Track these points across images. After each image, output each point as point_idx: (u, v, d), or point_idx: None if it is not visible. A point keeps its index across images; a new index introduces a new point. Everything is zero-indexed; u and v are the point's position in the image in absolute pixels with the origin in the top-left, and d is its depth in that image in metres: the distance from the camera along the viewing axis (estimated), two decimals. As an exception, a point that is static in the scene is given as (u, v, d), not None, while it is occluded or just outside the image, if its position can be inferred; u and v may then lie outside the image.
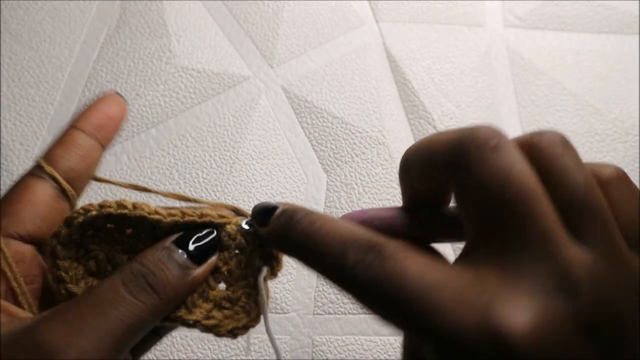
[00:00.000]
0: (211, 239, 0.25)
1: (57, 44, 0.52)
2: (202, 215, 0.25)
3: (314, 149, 0.48)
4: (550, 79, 0.51)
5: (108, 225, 0.25)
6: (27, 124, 0.49)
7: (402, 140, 0.48)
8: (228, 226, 0.26)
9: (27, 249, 0.24)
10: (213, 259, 0.25)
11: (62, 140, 0.26)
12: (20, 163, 0.47)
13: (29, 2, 0.54)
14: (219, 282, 0.26)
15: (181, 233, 0.25)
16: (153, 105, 0.49)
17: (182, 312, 0.24)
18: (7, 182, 0.46)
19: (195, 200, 0.28)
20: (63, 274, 0.24)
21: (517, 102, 0.50)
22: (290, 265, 0.43)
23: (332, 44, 0.52)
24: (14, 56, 0.51)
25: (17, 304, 0.23)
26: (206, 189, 0.46)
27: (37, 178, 0.25)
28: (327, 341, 0.40)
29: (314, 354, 0.40)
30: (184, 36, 0.52)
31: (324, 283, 0.42)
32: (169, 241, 0.24)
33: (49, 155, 0.26)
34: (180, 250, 0.24)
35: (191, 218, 0.25)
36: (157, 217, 0.25)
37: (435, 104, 0.49)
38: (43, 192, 0.25)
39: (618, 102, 0.50)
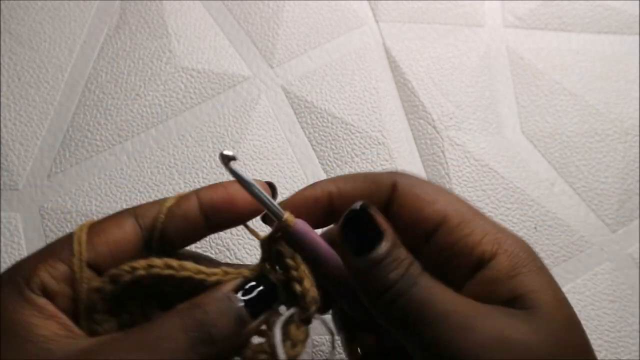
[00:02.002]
0: (267, 290, 0.24)
1: (57, 44, 0.52)
2: (242, 274, 0.25)
3: (314, 149, 0.48)
4: (550, 79, 0.51)
5: (150, 282, 0.24)
6: (27, 124, 0.49)
7: (402, 140, 0.48)
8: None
9: (94, 277, 0.24)
10: (266, 313, 0.24)
11: (177, 202, 0.26)
12: (20, 163, 0.47)
13: (29, 2, 0.54)
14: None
15: (240, 280, 0.24)
16: (153, 105, 0.49)
17: None
18: (7, 182, 0.46)
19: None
20: (97, 327, 0.24)
21: (517, 102, 0.50)
22: (290, 265, 0.43)
23: (332, 44, 0.52)
24: (14, 56, 0.51)
25: (76, 322, 0.23)
26: (206, 189, 0.46)
27: (133, 220, 0.25)
28: (327, 341, 0.40)
29: (314, 354, 0.40)
30: (184, 36, 0.52)
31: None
32: (228, 288, 0.24)
33: (149, 206, 0.26)
34: (241, 302, 0.23)
35: (232, 276, 0.25)
36: (201, 277, 0.24)
37: (435, 104, 0.49)
38: (130, 237, 0.25)
39: (618, 102, 0.50)
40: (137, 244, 0.25)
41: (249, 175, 0.25)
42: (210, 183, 0.46)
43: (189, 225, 0.26)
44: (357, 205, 0.25)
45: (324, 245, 0.26)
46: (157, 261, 0.24)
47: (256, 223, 0.30)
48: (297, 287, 0.25)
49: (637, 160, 0.48)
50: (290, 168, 0.47)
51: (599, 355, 0.41)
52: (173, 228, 0.25)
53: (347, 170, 0.46)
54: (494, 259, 0.24)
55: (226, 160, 0.24)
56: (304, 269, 0.25)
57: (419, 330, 0.23)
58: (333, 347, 0.31)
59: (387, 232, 0.24)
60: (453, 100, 0.50)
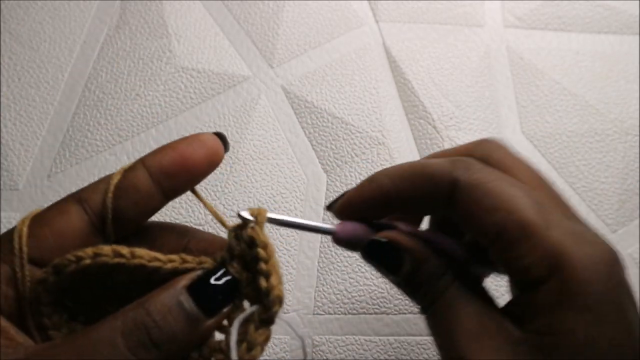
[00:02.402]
0: (227, 285, 0.22)
1: (57, 44, 0.52)
2: (201, 262, 0.23)
3: (314, 149, 0.48)
4: (550, 79, 0.51)
5: (102, 271, 0.22)
6: (27, 124, 0.49)
7: (402, 140, 0.48)
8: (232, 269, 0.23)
9: (40, 274, 0.22)
10: (226, 309, 0.22)
11: (124, 176, 0.23)
12: (20, 163, 0.47)
13: (29, 2, 0.54)
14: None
15: (197, 274, 0.22)
16: (153, 105, 0.49)
17: None
18: (7, 182, 0.46)
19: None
20: (45, 320, 0.22)
21: (517, 102, 0.50)
22: (290, 266, 0.43)
23: (332, 44, 0.52)
24: (14, 56, 0.51)
25: (23, 327, 0.22)
26: (206, 189, 0.46)
27: (79, 206, 0.23)
28: (327, 341, 0.40)
29: (314, 354, 0.40)
30: (184, 36, 0.52)
31: (324, 283, 0.42)
32: (180, 285, 0.21)
33: (96, 185, 0.23)
34: (191, 299, 0.21)
35: (190, 265, 0.23)
36: (156, 264, 0.22)
37: (435, 104, 0.49)
38: (77, 225, 0.23)
39: (618, 102, 0.50)
40: (86, 231, 0.23)
41: (282, 215, 0.25)
42: (211, 183, 0.46)
43: (142, 198, 0.23)
44: (377, 237, 0.25)
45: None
46: (105, 248, 0.22)
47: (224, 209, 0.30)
48: (263, 283, 0.22)
49: (637, 160, 0.48)
50: (290, 168, 0.47)
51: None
52: (125, 205, 0.23)
53: (347, 170, 0.46)
54: (544, 284, 0.21)
55: (279, 221, 0.25)
56: (274, 263, 0.22)
57: (436, 343, 0.24)
58: (305, 354, 0.30)
59: (407, 258, 0.24)
60: (453, 100, 0.50)
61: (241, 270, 0.23)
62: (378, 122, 0.48)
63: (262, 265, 0.22)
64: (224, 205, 0.45)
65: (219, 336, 0.23)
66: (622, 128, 0.49)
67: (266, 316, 0.22)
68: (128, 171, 0.24)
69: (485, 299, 0.24)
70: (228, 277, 0.22)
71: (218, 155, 0.24)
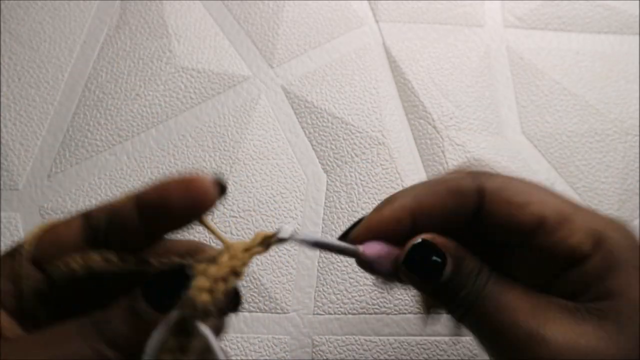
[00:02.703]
0: (172, 280, 0.21)
1: (57, 44, 0.52)
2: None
3: (314, 149, 0.48)
4: (550, 79, 0.51)
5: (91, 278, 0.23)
6: (27, 124, 0.49)
7: (402, 140, 0.48)
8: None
9: (34, 283, 0.23)
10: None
11: (112, 206, 0.23)
12: (20, 163, 0.47)
13: (29, 2, 0.54)
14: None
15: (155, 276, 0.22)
16: (153, 105, 0.49)
17: None
18: (7, 182, 0.46)
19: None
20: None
21: (517, 102, 0.50)
22: (290, 266, 0.43)
23: (332, 44, 0.52)
24: (14, 56, 0.51)
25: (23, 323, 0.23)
26: (206, 189, 0.46)
27: (83, 219, 0.23)
28: (327, 341, 0.40)
29: (314, 354, 0.40)
30: (184, 36, 0.52)
31: (324, 283, 0.42)
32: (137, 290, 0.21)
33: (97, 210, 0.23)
34: (142, 299, 0.21)
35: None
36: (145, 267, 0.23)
37: (435, 104, 0.49)
38: (75, 235, 0.23)
39: (618, 102, 0.50)
40: (82, 244, 0.23)
41: (308, 234, 0.24)
42: (210, 183, 0.46)
43: (126, 229, 0.23)
44: (419, 239, 0.25)
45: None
46: (95, 256, 0.22)
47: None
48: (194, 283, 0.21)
49: (637, 160, 0.48)
50: (290, 168, 0.47)
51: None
52: (114, 229, 0.23)
53: (347, 170, 0.47)
54: (589, 258, 0.24)
55: (287, 239, 0.23)
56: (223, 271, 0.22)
57: (490, 341, 0.24)
58: None
59: (448, 256, 0.24)
60: (453, 100, 0.50)
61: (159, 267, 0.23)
62: (378, 122, 0.48)
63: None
64: (224, 205, 0.45)
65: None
66: (622, 128, 0.49)
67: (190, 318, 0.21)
68: (123, 199, 0.23)
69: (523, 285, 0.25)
70: (175, 277, 0.22)
71: (205, 202, 0.23)
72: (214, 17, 0.53)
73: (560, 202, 0.25)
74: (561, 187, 0.47)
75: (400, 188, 0.46)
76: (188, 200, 0.23)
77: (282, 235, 0.23)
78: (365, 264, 0.25)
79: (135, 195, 0.23)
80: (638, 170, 0.47)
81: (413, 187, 0.27)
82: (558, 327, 0.22)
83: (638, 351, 0.22)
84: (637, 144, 0.48)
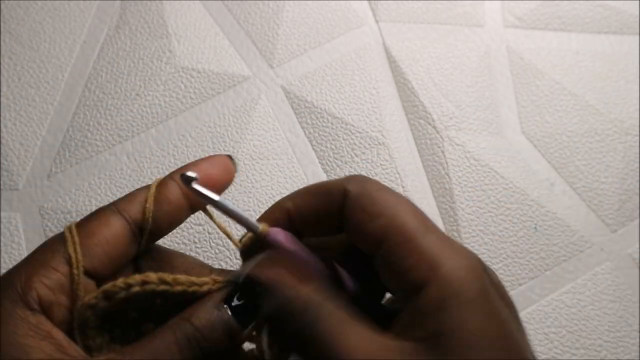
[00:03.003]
0: (255, 299, 0.24)
1: (57, 44, 0.52)
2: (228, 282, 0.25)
3: (314, 149, 0.48)
4: (550, 79, 0.51)
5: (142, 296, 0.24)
6: (27, 124, 0.49)
7: (402, 140, 0.48)
8: None
9: (90, 284, 0.24)
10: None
11: (160, 190, 0.25)
12: (20, 163, 0.47)
13: (29, 2, 0.54)
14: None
15: (228, 289, 0.24)
16: (153, 105, 0.49)
17: None
18: (7, 182, 0.46)
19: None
20: (91, 342, 0.23)
21: (517, 102, 0.50)
22: (290, 265, 0.43)
23: (332, 44, 0.52)
24: (14, 56, 0.51)
25: (71, 336, 0.23)
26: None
27: (119, 216, 0.25)
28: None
29: None
30: (184, 36, 0.52)
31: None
32: (216, 300, 0.24)
33: (134, 196, 0.25)
34: (230, 313, 0.23)
35: (220, 285, 0.25)
36: (194, 289, 0.24)
37: (435, 104, 0.49)
38: (119, 233, 0.24)
39: (618, 102, 0.50)
40: (127, 240, 0.25)
41: (212, 193, 0.24)
42: (210, 183, 0.46)
43: (174, 210, 0.25)
44: (238, 278, 0.24)
45: (300, 252, 0.26)
46: (152, 276, 0.24)
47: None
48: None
49: (637, 160, 0.48)
50: (290, 168, 0.47)
51: (598, 355, 0.41)
52: (160, 215, 0.25)
53: (347, 170, 0.47)
54: (424, 287, 0.22)
55: (188, 181, 0.24)
56: None
57: None
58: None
59: (264, 296, 0.23)
60: (453, 100, 0.50)
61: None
62: (378, 122, 0.48)
63: None
64: (224, 205, 0.45)
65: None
66: (622, 128, 0.49)
67: None
68: (161, 185, 0.26)
69: (368, 321, 0.23)
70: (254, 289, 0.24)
71: (231, 174, 0.27)
72: (214, 17, 0.53)
73: (408, 220, 0.23)
74: (561, 187, 0.47)
75: (400, 188, 0.46)
76: (222, 174, 0.26)
77: (189, 173, 0.24)
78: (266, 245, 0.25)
79: (172, 176, 0.26)
80: (638, 170, 0.47)
81: (294, 193, 0.27)
82: None
83: None
84: (637, 144, 0.48)
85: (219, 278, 0.25)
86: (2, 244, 0.44)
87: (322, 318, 0.22)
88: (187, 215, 0.26)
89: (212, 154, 0.47)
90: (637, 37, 0.53)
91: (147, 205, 0.25)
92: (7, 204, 0.46)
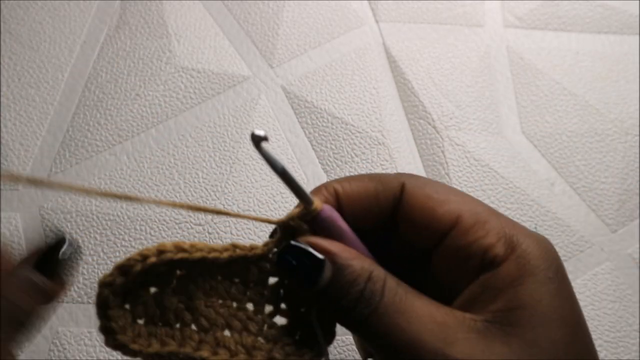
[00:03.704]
0: (60, 251, 0.25)
1: (57, 44, 0.52)
2: (252, 248, 0.25)
3: (314, 149, 0.48)
4: (550, 79, 0.51)
5: (161, 268, 0.23)
6: (27, 124, 0.49)
7: (402, 140, 0.48)
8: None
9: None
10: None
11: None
12: (20, 163, 0.47)
13: (29, 2, 0.54)
14: (275, 316, 0.25)
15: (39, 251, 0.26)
16: (153, 105, 0.49)
17: (243, 357, 0.23)
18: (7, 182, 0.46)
19: (222, 212, 0.26)
20: (113, 325, 0.23)
21: (517, 102, 0.50)
22: (290, 265, 0.43)
23: (332, 44, 0.52)
24: (14, 56, 0.51)
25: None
26: (206, 189, 0.46)
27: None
28: (340, 341, 0.40)
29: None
30: (184, 36, 0.52)
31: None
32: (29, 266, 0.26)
33: None
34: (37, 272, 0.25)
35: (242, 252, 0.24)
36: (214, 254, 0.24)
37: (435, 104, 0.49)
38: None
39: (618, 102, 0.50)
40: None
41: (281, 159, 0.24)
42: (211, 183, 0.46)
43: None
44: (291, 241, 0.24)
45: (350, 233, 0.26)
46: (167, 245, 0.23)
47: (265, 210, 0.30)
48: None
49: (637, 160, 0.48)
50: (290, 168, 0.47)
51: (599, 355, 0.41)
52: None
53: (347, 170, 0.47)
54: (502, 263, 0.23)
55: (257, 140, 0.22)
56: None
57: (383, 356, 0.22)
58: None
59: (325, 262, 0.23)
60: (453, 100, 0.50)
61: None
62: (378, 122, 0.48)
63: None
64: (223, 205, 0.45)
65: None
66: (622, 128, 0.49)
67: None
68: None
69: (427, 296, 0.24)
70: (63, 246, 0.26)
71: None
72: (214, 17, 0.53)
73: (477, 205, 0.25)
74: (561, 187, 0.47)
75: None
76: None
77: (258, 132, 0.22)
78: (319, 223, 0.25)
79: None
80: (638, 170, 0.47)
81: (339, 179, 0.27)
82: (465, 347, 0.21)
83: None
84: (637, 144, 0.48)
85: (241, 245, 0.24)
86: (1, 244, 0.44)
87: (389, 289, 0.22)
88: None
89: (212, 153, 0.47)
90: (637, 37, 0.53)
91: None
92: (7, 204, 0.46)
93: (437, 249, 0.25)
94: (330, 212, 0.25)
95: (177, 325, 0.24)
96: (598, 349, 0.42)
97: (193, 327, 0.24)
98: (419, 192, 0.25)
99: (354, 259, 0.23)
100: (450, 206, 0.25)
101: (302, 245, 0.23)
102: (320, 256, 0.23)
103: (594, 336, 0.42)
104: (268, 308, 0.25)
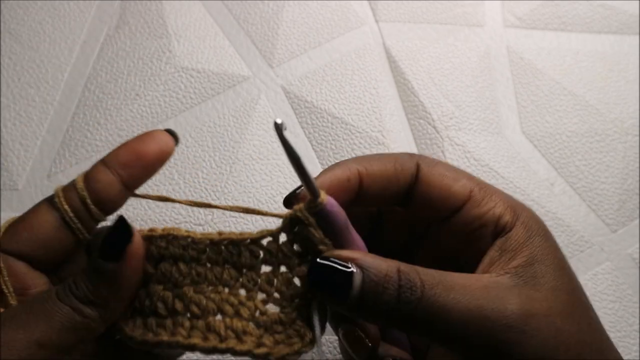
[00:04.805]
0: (116, 230, 0.26)
1: (57, 44, 0.52)
2: (241, 234, 0.26)
3: (314, 149, 0.48)
4: (550, 79, 0.51)
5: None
6: (27, 124, 0.49)
7: (402, 140, 0.48)
8: (268, 241, 0.26)
9: (20, 265, 0.26)
10: (134, 247, 0.25)
11: (86, 174, 0.28)
12: (20, 163, 0.47)
13: (29, 2, 0.54)
14: (267, 304, 0.26)
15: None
16: (153, 105, 0.49)
17: (232, 342, 0.24)
18: (7, 182, 0.46)
19: (259, 212, 0.28)
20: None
21: (517, 102, 0.50)
22: (290, 265, 0.43)
23: (332, 44, 0.52)
24: (14, 56, 0.51)
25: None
26: (206, 189, 0.46)
27: (49, 205, 0.28)
28: (327, 341, 0.40)
29: (313, 354, 0.40)
30: (184, 36, 0.52)
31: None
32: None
33: (67, 186, 0.28)
34: (88, 257, 0.26)
35: (229, 236, 0.26)
36: (196, 236, 0.26)
37: (435, 104, 0.49)
38: (46, 219, 0.27)
39: (618, 102, 0.50)
40: (56, 224, 0.27)
41: (298, 148, 0.25)
42: (211, 183, 0.46)
43: (103, 187, 0.27)
44: (316, 258, 0.25)
45: (350, 226, 0.26)
46: (158, 230, 0.26)
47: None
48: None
49: (637, 160, 0.48)
50: (291, 168, 0.47)
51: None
52: (91, 194, 0.27)
53: (347, 170, 0.47)
54: (513, 228, 0.27)
55: (281, 128, 0.25)
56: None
57: (445, 337, 0.24)
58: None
59: (355, 274, 0.24)
60: (453, 100, 0.50)
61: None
62: (378, 122, 0.48)
63: (322, 247, 0.26)
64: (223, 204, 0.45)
65: None
66: (622, 128, 0.49)
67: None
68: (91, 171, 0.28)
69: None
70: (119, 225, 0.26)
71: (168, 148, 0.28)
72: (214, 17, 0.53)
73: (481, 181, 0.29)
74: (561, 187, 0.47)
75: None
76: (154, 151, 0.28)
77: (279, 121, 0.25)
78: (320, 213, 0.25)
79: (103, 160, 0.27)
80: (638, 170, 0.47)
81: (358, 158, 0.30)
82: (514, 300, 0.24)
83: (565, 300, 0.25)
84: (637, 144, 0.48)
85: (265, 230, 0.26)
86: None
87: (425, 274, 0.25)
88: (122, 192, 0.28)
89: (212, 153, 0.47)
90: (637, 37, 0.53)
91: (82, 193, 0.27)
92: (7, 204, 0.46)
93: (446, 223, 0.29)
94: (332, 206, 0.26)
95: (166, 314, 0.25)
96: (598, 349, 0.42)
97: (186, 315, 0.25)
98: (434, 170, 0.29)
99: (375, 259, 0.25)
100: (463, 182, 0.28)
101: (327, 262, 0.25)
102: (348, 267, 0.24)
103: (594, 336, 0.42)
104: (261, 295, 0.26)
